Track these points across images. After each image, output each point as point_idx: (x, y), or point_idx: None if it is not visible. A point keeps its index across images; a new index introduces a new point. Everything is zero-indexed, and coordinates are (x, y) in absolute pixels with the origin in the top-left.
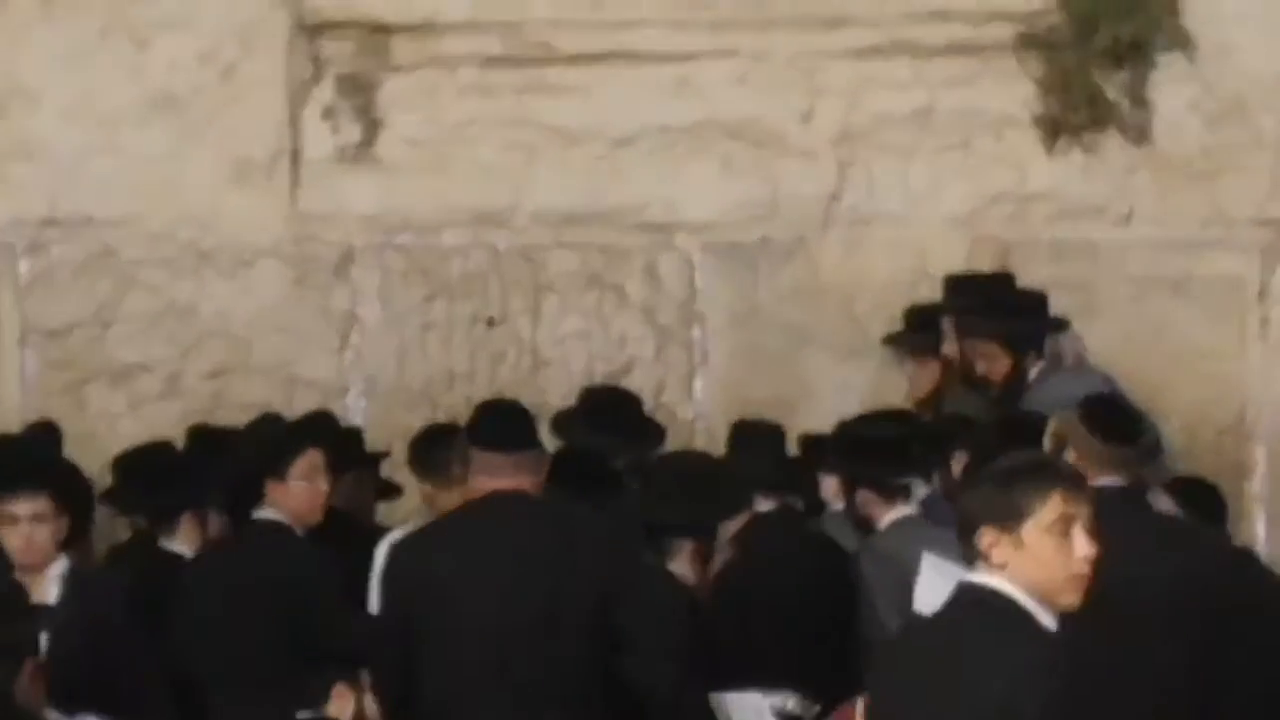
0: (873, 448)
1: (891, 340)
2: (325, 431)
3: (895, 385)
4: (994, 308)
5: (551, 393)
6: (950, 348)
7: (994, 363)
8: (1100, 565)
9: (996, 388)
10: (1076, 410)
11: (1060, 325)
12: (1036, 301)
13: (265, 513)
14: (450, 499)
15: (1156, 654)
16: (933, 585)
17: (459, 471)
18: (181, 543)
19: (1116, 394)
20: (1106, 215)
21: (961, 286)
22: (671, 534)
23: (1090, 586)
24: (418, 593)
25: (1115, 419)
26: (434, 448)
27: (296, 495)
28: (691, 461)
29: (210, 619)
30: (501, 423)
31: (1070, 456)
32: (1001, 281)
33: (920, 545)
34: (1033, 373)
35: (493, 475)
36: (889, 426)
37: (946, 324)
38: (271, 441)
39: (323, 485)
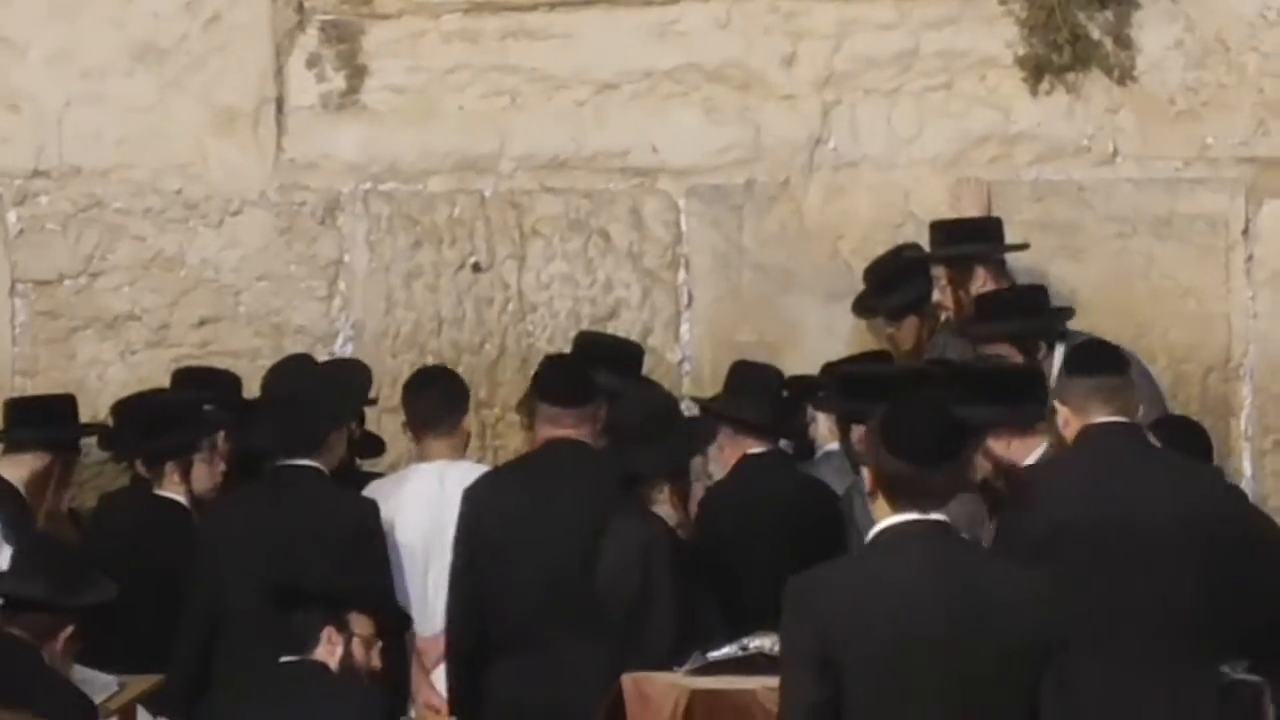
0: (868, 385)
1: (865, 310)
2: None
3: (879, 328)
4: (1004, 309)
5: (538, 337)
6: (944, 296)
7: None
8: (1109, 499)
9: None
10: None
11: (1064, 315)
12: (1041, 295)
13: (297, 460)
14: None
15: (1164, 585)
16: None
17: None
18: (173, 488)
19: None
20: (1090, 155)
21: (953, 235)
22: (645, 479)
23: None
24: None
25: (1096, 354)
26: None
27: (336, 445)
28: (649, 404)
29: (253, 562)
30: (564, 380)
31: (1061, 415)
32: (992, 229)
33: None
34: (1056, 355)
35: (555, 425)
36: (882, 366)
37: (939, 272)
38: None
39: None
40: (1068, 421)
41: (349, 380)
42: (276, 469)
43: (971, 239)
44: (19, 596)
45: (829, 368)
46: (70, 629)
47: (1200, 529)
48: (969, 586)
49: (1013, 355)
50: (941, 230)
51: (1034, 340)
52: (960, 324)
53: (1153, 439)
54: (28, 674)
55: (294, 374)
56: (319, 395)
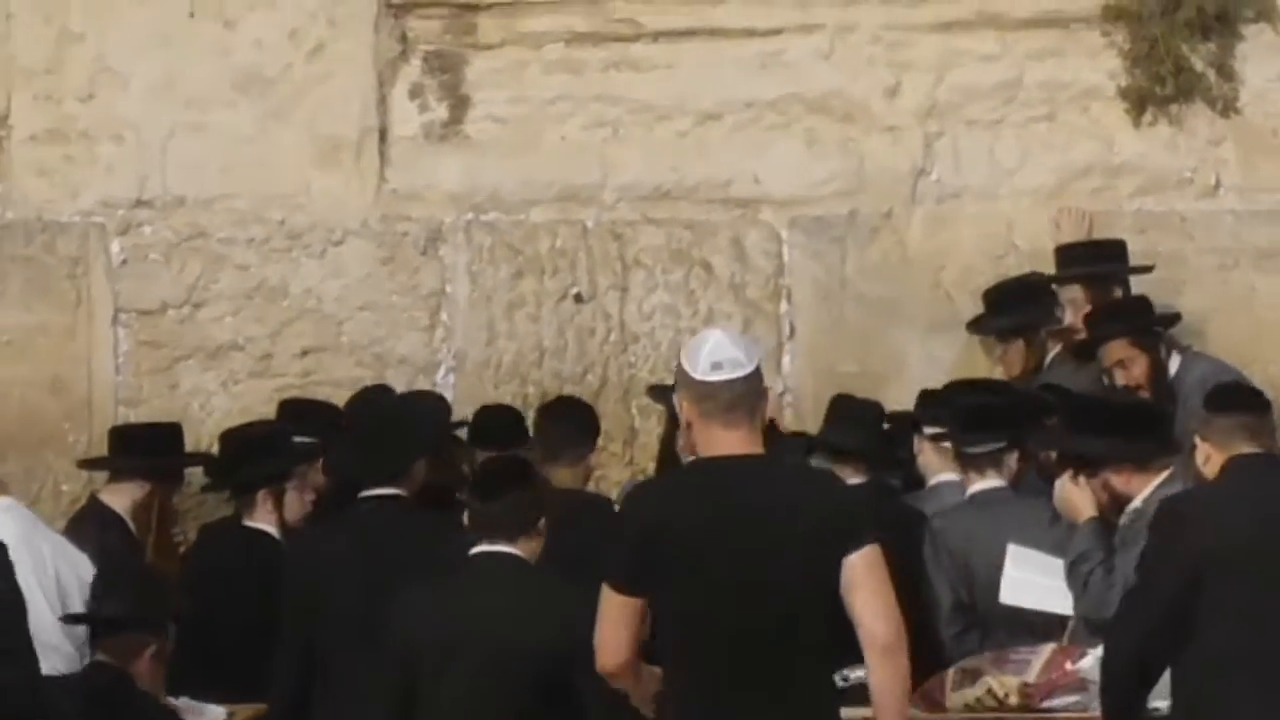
0: (955, 413)
1: (977, 327)
2: None
3: (982, 359)
4: (1122, 311)
5: (640, 368)
6: (1075, 319)
7: (1132, 366)
8: (1260, 525)
9: (1145, 389)
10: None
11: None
12: (1146, 301)
13: (378, 490)
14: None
15: None
16: (1018, 578)
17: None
18: (264, 519)
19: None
20: (1193, 187)
21: (1089, 255)
22: None
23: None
24: None
25: (1239, 393)
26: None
27: (418, 473)
28: None
29: (341, 591)
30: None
31: (1203, 452)
32: (1119, 250)
33: (986, 521)
34: (1173, 364)
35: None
36: (972, 394)
37: (1074, 294)
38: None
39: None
40: (1209, 457)
41: (430, 409)
42: (360, 499)
43: (1107, 259)
44: (101, 618)
45: (926, 396)
46: (154, 647)
47: None
48: (515, 602)
49: (1134, 357)
50: (1072, 251)
51: (1154, 338)
52: (1077, 346)
53: None
54: (121, 699)
55: (376, 404)
56: (402, 424)
